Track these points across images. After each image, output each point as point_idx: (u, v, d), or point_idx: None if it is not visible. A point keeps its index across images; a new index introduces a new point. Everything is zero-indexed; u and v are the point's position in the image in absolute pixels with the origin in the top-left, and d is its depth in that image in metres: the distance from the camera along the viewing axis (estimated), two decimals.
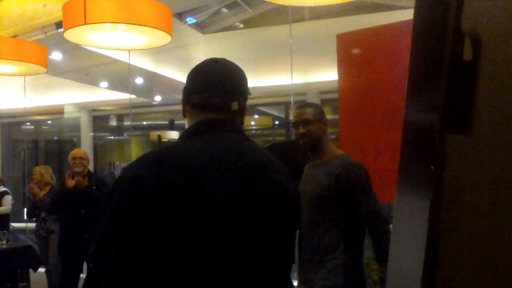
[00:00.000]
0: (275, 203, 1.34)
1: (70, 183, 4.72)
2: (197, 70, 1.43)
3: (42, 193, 5.94)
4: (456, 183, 0.90)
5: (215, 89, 1.38)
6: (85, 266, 5.17)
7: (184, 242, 1.20)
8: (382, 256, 2.58)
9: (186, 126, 1.43)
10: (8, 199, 7.56)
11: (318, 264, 2.57)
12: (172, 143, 1.42)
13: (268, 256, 1.33)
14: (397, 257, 1.03)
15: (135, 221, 1.20)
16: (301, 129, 2.68)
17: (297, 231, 1.54)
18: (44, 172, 6.20)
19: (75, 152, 5.21)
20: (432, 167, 0.88)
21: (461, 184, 0.89)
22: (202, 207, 1.21)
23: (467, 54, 0.87)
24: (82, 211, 4.75)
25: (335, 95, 4.34)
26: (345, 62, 4.08)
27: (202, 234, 1.21)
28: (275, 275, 1.36)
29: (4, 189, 7.79)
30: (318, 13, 8.14)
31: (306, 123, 2.66)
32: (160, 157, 1.29)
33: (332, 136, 8.68)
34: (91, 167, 6.58)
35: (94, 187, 4.82)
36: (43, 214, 5.89)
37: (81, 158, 5.02)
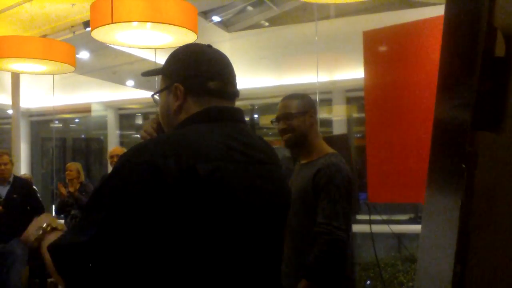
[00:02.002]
0: (281, 196, 1.38)
1: None
2: (204, 55, 1.35)
3: (71, 189, 5.98)
4: (488, 182, 0.88)
5: (230, 76, 1.37)
6: None
7: (201, 233, 1.15)
8: (306, 271, 2.20)
9: (181, 113, 1.33)
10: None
11: (294, 271, 2.30)
12: (184, 129, 1.28)
13: (273, 249, 1.36)
14: (426, 257, 1.01)
15: (146, 209, 1.11)
16: (282, 124, 2.40)
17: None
18: (80, 169, 6.21)
19: (113, 150, 5.31)
20: (464, 166, 0.86)
21: (492, 183, 0.87)
22: (223, 201, 1.18)
23: (499, 50, 0.85)
24: None
25: (361, 93, 4.30)
26: (372, 60, 4.04)
27: (220, 226, 1.18)
28: (276, 268, 1.40)
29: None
30: (344, 11, 8.08)
31: (287, 117, 2.38)
32: (179, 142, 1.20)
33: (358, 135, 8.62)
34: None
35: None
36: (73, 211, 5.94)
37: (118, 156, 5.12)
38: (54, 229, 1.30)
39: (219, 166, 1.18)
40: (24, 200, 5.37)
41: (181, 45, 4.61)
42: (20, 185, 5.50)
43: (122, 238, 1.11)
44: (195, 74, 1.32)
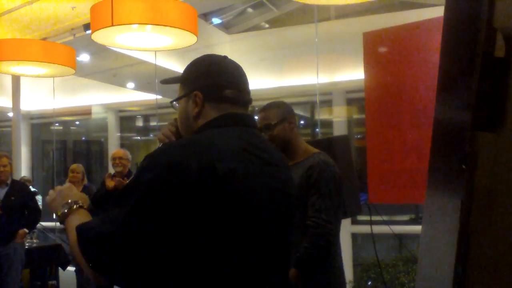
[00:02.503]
0: (289, 196, 1.46)
1: (110, 183, 4.78)
2: (222, 66, 1.46)
3: None
4: (488, 183, 0.88)
5: (244, 85, 1.47)
6: None
7: (217, 231, 1.22)
8: (297, 261, 2.33)
9: (200, 119, 1.42)
10: (37, 200, 7.69)
11: None
12: (204, 133, 1.39)
13: (285, 250, 1.44)
14: (427, 258, 1.01)
15: (169, 205, 1.19)
16: (266, 135, 2.48)
17: None
18: (84, 171, 6.16)
19: (115, 152, 5.31)
20: (464, 167, 0.87)
21: (492, 184, 0.87)
22: (239, 199, 1.25)
23: (499, 51, 0.85)
24: None
25: (362, 95, 4.31)
26: (372, 61, 4.04)
27: (235, 223, 1.25)
28: (285, 265, 1.47)
29: (34, 189, 7.93)
30: (344, 12, 8.09)
31: (267, 127, 2.49)
32: (200, 144, 1.29)
33: (358, 136, 8.62)
34: None
35: None
36: None
37: (120, 158, 5.13)
38: (80, 206, 1.41)
39: (236, 166, 1.26)
40: (22, 202, 5.37)
41: (181, 47, 4.56)
42: (18, 188, 5.49)
43: (145, 232, 1.20)
44: (213, 83, 1.43)
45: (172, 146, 1.34)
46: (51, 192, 1.48)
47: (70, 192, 1.45)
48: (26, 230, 5.43)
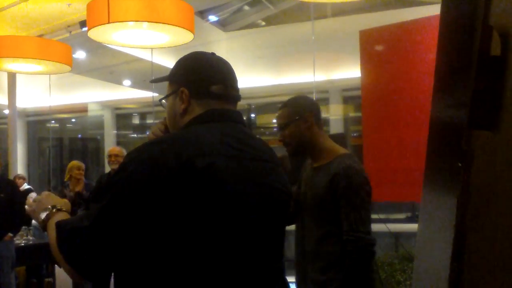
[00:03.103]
0: (279, 193, 1.43)
1: None
2: (207, 62, 1.46)
3: (78, 189, 5.86)
4: (484, 181, 0.88)
5: (232, 81, 1.47)
6: None
7: (198, 225, 1.22)
8: (345, 282, 2.17)
9: (186, 115, 1.43)
10: (33, 197, 7.64)
11: (311, 277, 2.26)
12: (185, 129, 1.40)
13: (271, 243, 1.41)
14: (423, 256, 1.02)
15: (145, 200, 1.19)
16: (280, 136, 2.33)
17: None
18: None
19: (111, 149, 5.31)
20: (460, 165, 0.87)
21: (489, 182, 0.88)
22: (220, 193, 1.25)
23: (495, 49, 0.85)
24: None
25: (358, 93, 4.31)
26: (368, 59, 4.05)
27: (216, 217, 1.24)
28: (276, 262, 1.44)
29: (28, 187, 7.91)
30: (340, 10, 8.09)
31: (281, 127, 2.32)
32: (179, 140, 1.29)
33: (355, 134, 8.63)
34: None
35: None
36: (80, 212, 5.87)
37: (116, 155, 5.14)
38: (59, 210, 1.43)
39: (215, 160, 1.25)
40: (9, 199, 5.32)
41: (177, 44, 4.55)
42: (5, 184, 5.45)
43: (119, 226, 1.20)
44: (199, 79, 1.43)
45: (152, 143, 1.34)
46: (30, 202, 1.49)
47: (49, 199, 1.46)
48: (11, 234, 5.38)
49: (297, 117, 2.28)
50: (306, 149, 2.33)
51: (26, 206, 1.49)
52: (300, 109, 2.30)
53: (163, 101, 1.53)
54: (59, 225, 1.29)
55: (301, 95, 2.56)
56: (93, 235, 1.21)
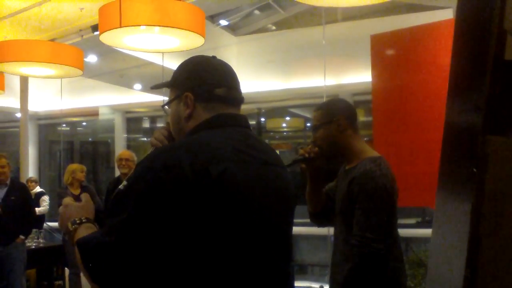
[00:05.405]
0: (286, 196, 1.44)
1: None
2: (210, 65, 1.45)
3: (76, 192, 5.93)
4: (498, 187, 0.87)
5: (234, 83, 1.47)
6: None
7: (215, 233, 1.22)
8: (343, 286, 2.15)
9: (191, 120, 1.42)
10: (45, 200, 7.71)
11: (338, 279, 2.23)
12: (196, 135, 1.38)
13: (280, 245, 1.41)
14: (437, 261, 1.01)
15: (166, 210, 1.19)
16: (312, 138, 2.36)
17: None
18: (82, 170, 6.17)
19: (121, 153, 5.34)
20: (474, 170, 0.86)
21: (503, 188, 0.87)
22: (233, 199, 1.25)
23: (509, 54, 0.84)
24: None
25: (369, 97, 4.30)
26: (379, 63, 4.03)
27: (231, 223, 1.25)
28: (284, 265, 1.44)
29: (40, 190, 7.95)
30: (351, 14, 8.08)
31: (314, 129, 2.34)
32: (193, 147, 1.28)
33: (366, 139, 8.60)
34: None
35: None
36: None
37: (127, 159, 5.16)
38: (81, 222, 1.39)
39: (229, 167, 1.26)
40: (21, 202, 5.35)
41: (188, 49, 4.57)
42: (17, 188, 5.48)
43: (144, 238, 1.20)
44: (202, 83, 1.42)
45: (164, 150, 1.33)
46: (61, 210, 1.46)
47: (73, 208, 1.44)
48: (22, 237, 5.42)
49: (329, 120, 2.29)
50: (338, 152, 2.33)
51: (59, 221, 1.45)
52: (333, 112, 2.31)
53: (166, 107, 1.52)
54: (79, 244, 1.27)
55: (337, 98, 2.58)
56: (119, 249, 1.20)
